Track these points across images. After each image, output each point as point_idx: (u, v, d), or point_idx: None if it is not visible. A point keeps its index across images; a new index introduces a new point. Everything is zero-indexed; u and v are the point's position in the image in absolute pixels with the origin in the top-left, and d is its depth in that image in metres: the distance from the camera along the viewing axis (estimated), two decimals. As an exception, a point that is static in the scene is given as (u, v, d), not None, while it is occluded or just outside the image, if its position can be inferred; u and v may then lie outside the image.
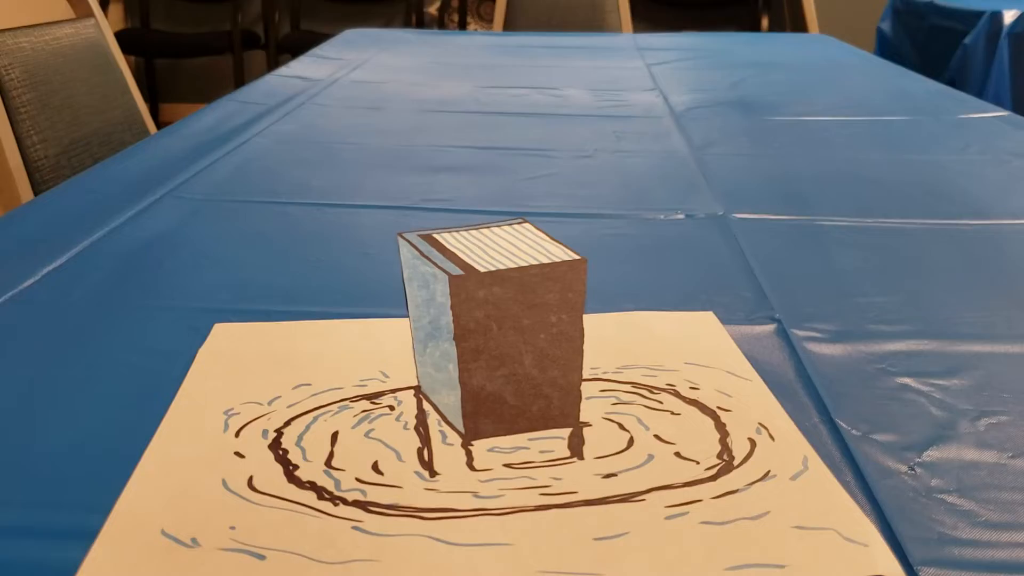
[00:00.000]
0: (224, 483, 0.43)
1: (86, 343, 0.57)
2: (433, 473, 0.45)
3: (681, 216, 0.82)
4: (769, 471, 0.45)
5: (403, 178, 0.93)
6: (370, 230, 0.78)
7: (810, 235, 0.77)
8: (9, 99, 1.24)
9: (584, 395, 0.51)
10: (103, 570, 0.37)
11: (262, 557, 0.38)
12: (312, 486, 0.43)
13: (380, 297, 0.63)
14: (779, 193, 0.89)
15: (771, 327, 0.60)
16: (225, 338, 0.58)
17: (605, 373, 0.55)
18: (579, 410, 0.50)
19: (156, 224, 0.78)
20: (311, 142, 1.06)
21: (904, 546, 0.39)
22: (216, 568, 0.38)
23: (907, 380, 0.53)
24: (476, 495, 0.43)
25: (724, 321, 0.61)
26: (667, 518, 0.41)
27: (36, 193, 1.24)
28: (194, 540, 0.39)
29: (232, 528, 0.40)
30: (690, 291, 0.66)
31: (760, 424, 0.49)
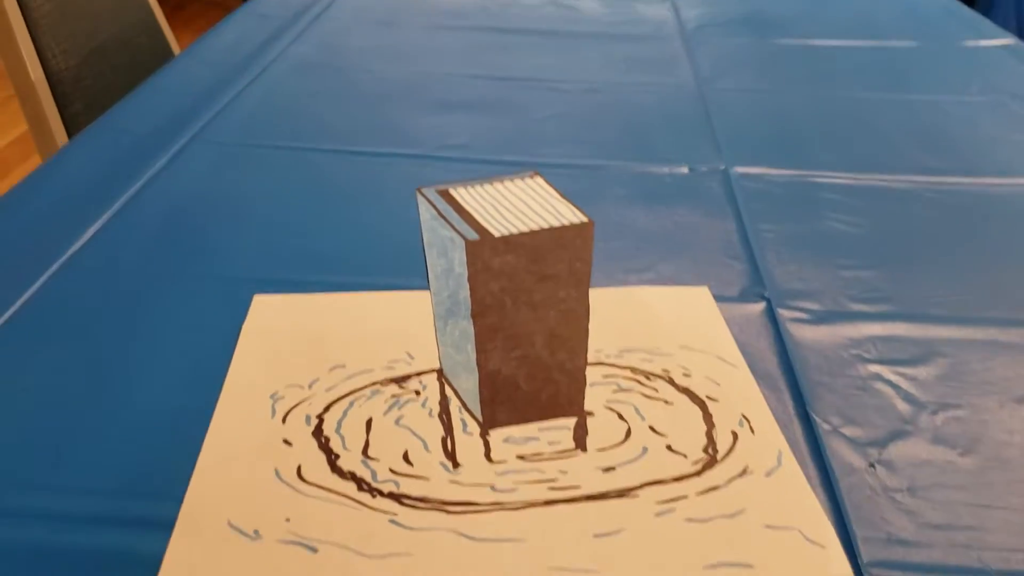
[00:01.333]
0: (277, 473, 0.50)
1: (137, 317, 0.63)
2: (456, 464, 0.52)
3: (685, 170, 0.87)
4: (747, 467, 0.52)
5: (419, 118, 0.97)
6: (392, 182, 0.83)
7: (805, 195, 0.82)
8: (28, 10, 1.26)
9: (589, 381, 0.58)
10: (183, 563, 0.44)
11: (314, 550, 0.46)
12: (352, 476, 0.50)
13: (403, 263, 0.68)
14: (780, 141, 0.93)
15: (760, 306, 0.66)
16: (264, 312, 0.64)
17: (608, 356, 0.61)
18: (584, 398, 0.56)
19: (189, 175, 0.82)
20: (328, 68, 1.09)
21: (857, 547, 0.46)
22: (277, 561, 0.45)
23: (879, 369, 0.60)
24: (493, 488, 0.50)
25: (716, 293, 0.67)
26: (657, 515, 0.48)
27: (59, 106, 1.27)
28: (256, 532, 0.46)
29: (287, 520, 0.47)
30: (688, 255, 0.72)
31: (743, 416, 0.56)
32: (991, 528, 0.48)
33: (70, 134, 1.29)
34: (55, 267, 0.68)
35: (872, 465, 0.52)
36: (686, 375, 0.59)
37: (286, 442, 0.53)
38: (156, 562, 0.44)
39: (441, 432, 0.54)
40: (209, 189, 0.80)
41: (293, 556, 0.45)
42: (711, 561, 0.45)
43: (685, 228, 0.76)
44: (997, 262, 0.72)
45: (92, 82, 1.36)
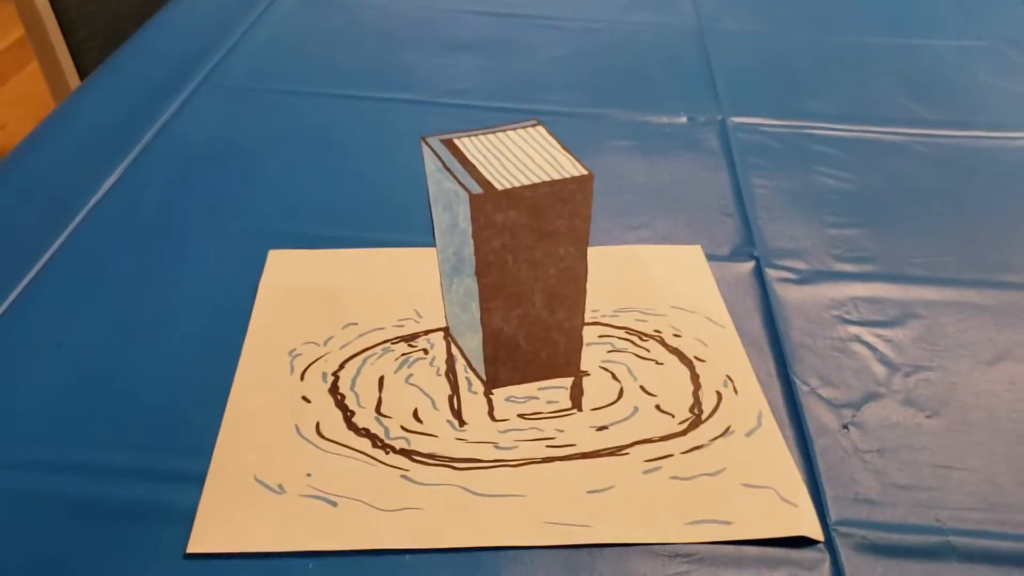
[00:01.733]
0: (297, 429, 0.55)
1: (158, 271, 0.66)
2: (462, 422, 0.56)
3: (683, 119, 0.89)
4: (729, 427, 0.56)
5: (425, 59, 0.98)
6: (397, 129, 0.85)
7: (798, 147, 0.85)
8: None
9: (585, 340, 0.62)
10: (215, 517, 0.49)
11: (334, 504, 0.50)
12: (367, 433, 0.55)
13: (410, 218, 0.71)
14: (776, 88, 0.95)
15: (749, 265, 0.70)
16: (279, 268, 0.68)
17: (604, 316, 0.65)
18: (580, 358, 0.60)
19: (199, 121, 0.85)
20: (330, 4, 1.10)
21: (826, 505, 0.51)
22: (300, 513, 0.50)
23: (859, 330, 0.64)
24: (496, 446, 0.55)
25: (708, 251, 0.70)
26: (644, 472, 0.53)
27: (64, 34, 1.28)
28: (280, 487, 0.51)
29: (308, 475, 0.52)
30: (683, 211, 0.75)
31: (727, 376, 0.60)
32: (950, 488, 0.52)
33: (77, 63, 1.31)
34: (77, 220, 0.71)
35: (845, 426, 0.56)
36: (676, 335, 0.63)
37: (305, 399, 0.57)
38: (190, 514, 0.49)
39: (448, 390, 0.59)
40: (219, 137, 0.83)
41: (315, 509, 0.50)
42: (693, 518, 0.50)
43: (681, 183, 0.79)
44: (979, 220, 0.76)
45: (96, 8, 1.36)
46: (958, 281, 0.69)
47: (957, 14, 1.14)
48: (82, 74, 1.26)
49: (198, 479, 0.51)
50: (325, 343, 0.61)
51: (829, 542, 0.49)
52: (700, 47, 1.03)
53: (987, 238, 0.74)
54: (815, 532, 0.49)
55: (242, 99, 0.89)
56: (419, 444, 0.54)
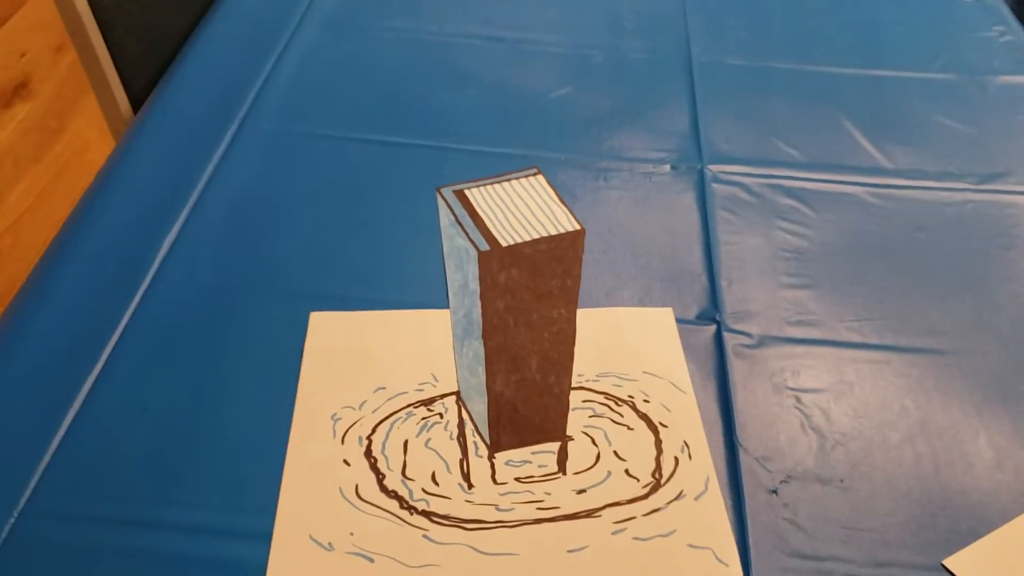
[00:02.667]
0: (341, 491, 0.70)
1: (217, 334, 0.80)
2: (470, 485, 0.71)
3: (667, 168, 1.01)
4: (682, 491, 0.71)
5: (437, 95, 1.10)
6: (415, 176, 0.97)
7: (767, 200, 0.97)
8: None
9: (572, 405, 0.76)
10: (284, 569, 0.65)
11: (372, 560, 0.66)
12: (395, 495, 0.70)
13: (427, 277, 0.84)
14: (754, 131, 1.06)
15: (711, 330, 0.83)
16: (320, 331, 0.81)
17: (587, 381, 0.79)
18: (566, 423, 0.75)
19: (240, 169, 0.97)
20: (353, 28, 1.20)
21: (751, 564, 0.66)
22: (346, 569, 0.65)
23: (796, 398, 0.78)
24: (497, 508, 0.70)
25: (678, 315, 0.83)
26: (613, 533, 0.68)
27: (103, 30, 1.37)
28: (330, 544, 0.66)
29: (351, 534, 0.67)
30: (660, 273, 0.88)
31: (685, 442, 0.74)
32: (852, 547, 0.67)
33: (116, 61, 1.40)
34: (145, 284, 0.85)
35: (774, 491, 0.71)
36: (646, 401, 0.78)
37: (345, 462, 0.72)
38: (261, 569, 0.64)
39: (459, 454, 0.73)
40: (257, 188, 0.95)
41: (357, 565, 0.65)
42: (646, 575, 0.65)
43: (660, 240, 0.92)
44: (917, 280, 0.88)
45: (131, 5, 1.45)
46: (888, 348, 0.82)
47: (929, 43, 1.23)
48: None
49: (266, 537, 0.66)
50: (360, 407, 0.76)
51: (749, 598, 0.64)
52: (688, 80, 1.14)
53: (921, 300, 0.87)
54: (740, 589, 0.65)
55: (275, 144, 1.01)
56: (437, 506, 0.69)
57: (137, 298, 0.83)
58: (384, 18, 1.23)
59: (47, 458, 0.70)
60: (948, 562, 0.66)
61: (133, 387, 0.75)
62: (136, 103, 1.21)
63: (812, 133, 1.07)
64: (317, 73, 1.13)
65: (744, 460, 0.73)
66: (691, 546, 0.67)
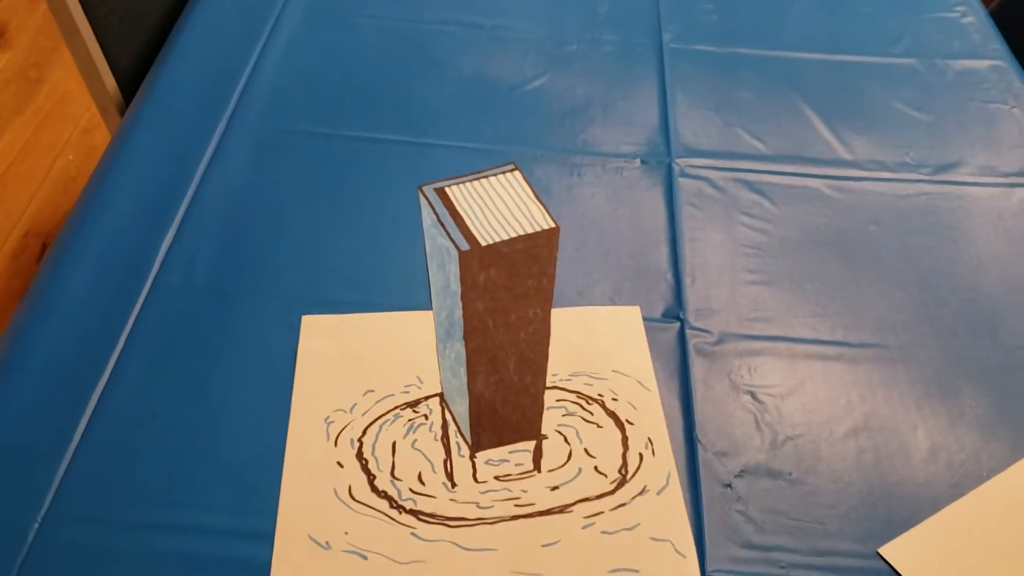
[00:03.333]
0: (335, 492, 0.77)
1: (215, 340, 0.85)
2: (453, 484, 0.78)
3: (637, 164, 1.07)
4: (646, 486, 0.78)
5: (417, 87, 1.14)
6: (397, 173, 1.02)
7: (732, 194, 1.02)
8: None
9: (546, 404, 0.83)
10: (287, 567, 0.72)
11: (365, 557, 0.73)
12: (385, 495, 0.77)
13: (411, 279, 0.91)
14: (721, 122, 1.11)
15: (675, 328, 0.90)
16: (312, 334, 0.87)
17: (561, 380, 0.86)
18: (541, 422, 0.82)
19: (230, 168, 1.01)
20: (333, 16, 1.24)
21: (706, 554, 0.74)
22: (342, 566, 0.72)
23: (751, 395, 0.85)
24: (478, 506, 0.77)
25: (645, 314, 0.90)
26: (583, 527, 0.76)
27: (92, 26, 1.40)
28: (327, 543, 0.74)
29: (346, 533, 0.74)
30: (630, 271, 0.94)
31: (649, 439, 0.82)
32: (799, 539, 0.75)
33: (100, 41, 1.42)
34: (146, 289, 0.90)
35: (728, 485, 0.78)
36: (614, 399, 0.84)
37: (339, 464, 0.79)
38: (266, 567, 0.72)
39: (443, 454, 0.80)
40: (247, 188, 1.00)
41: (352, 563, 0.72)
42: (613, 567, 0.73)
43: (631, 238, 0.98)
44: (868, 274, 0.95)
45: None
46: (839, 343, 0.89)
47: (892, 25, 1.28)
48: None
49: (270, 536, 0.73)
50: (351, 410, 0.82)
51: (703, 587, 0.72)
52: (659, 67, 1.19)
53: (871, 295, 0.93)
54: (695, 578, 0.72)
55: (262, 141, 1.06)
56: (423, 505, 0.76)
57: (139, 303, 0.88)
58: (364, 4, 1.26)
59: (65, 464, 0.76)
60: (883, 550, 0.73)
61: (141, 393, 0.82)
62: (121, 79, 1.24)
63: (776, 123, 1.12)
64: (300, 64, 1.17)
65: (702, 456, 0.80)
66: (653, 539, 0.74)
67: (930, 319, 0.91)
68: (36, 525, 0.72)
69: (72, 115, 2.11)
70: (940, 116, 1.14)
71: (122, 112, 1.25)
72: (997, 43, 1.24)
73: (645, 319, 0.90)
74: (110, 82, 1.26)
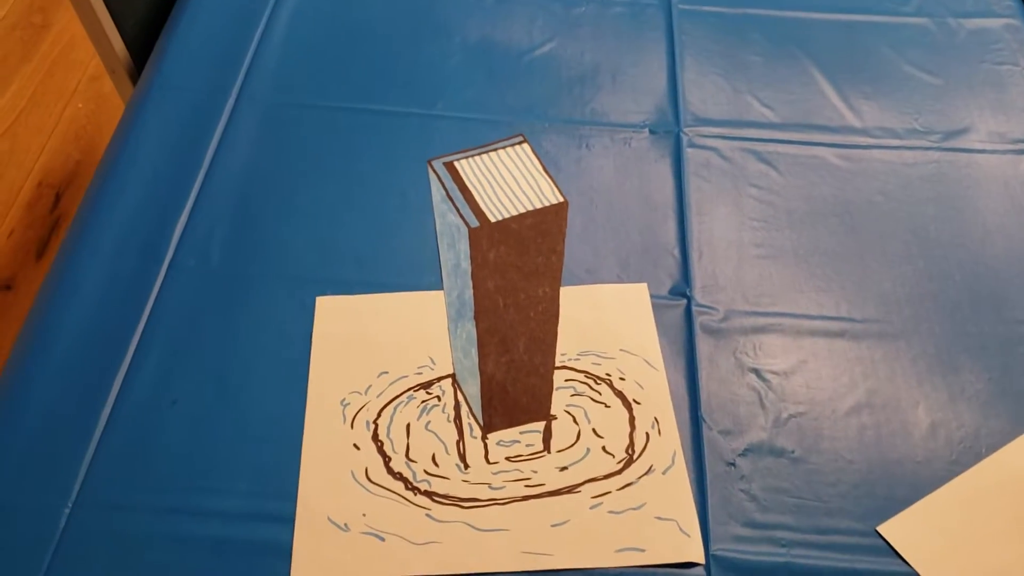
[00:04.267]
0: (352, 474, 0.80)
1: (231, 323, 0.87)
2: (467, 465, 0.81)
3: (646, 133, 1.07)
4: (652, 466, 0.81)
5: (423, 56, 1.14)
6: (406, 145, 1.03)
7: (740, 164, 1.03)
8: None
9: (555, 384, 0.85)
10: (306, 552, 0.75)
11: (383, 539, 0.76)
12: (400, 476, 0.80)
13: (422, 258, 0.92)
14: (730, 89, 1.11)
15: (682, 305, 0.92)
16: (327, 316, 0.89)
17: (569, 360, 0.88)
18: (551, 402, 0.84)
19: (240, 146, 1.03)
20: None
21: (710, 532, 0.77)
22: (361, 548, 0.75)
23: (755, 373, 0.87)
24: (490, 487, 0.80)
25: (652, 291, 0.91)
26: (591, 508, 0.78)
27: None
28: (346, 525, 0.77)
29: (364, 515, 0.77)
30: (638, 246, 0.95)
31: (655, 418, 0.84)
32: (800, 517, 0.78)
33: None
34: (162, 273, 0.92)
35: (732, 464, 0.81)
36: (622, 378, 0.87)
37: (355, 446, 0.81)
38: (288, 549, 0.75)
39: (455, 436, 0.83)
40: (257, 165, 1.01)
41: (370, 544, 0.76)
42: (620, 546, 0.76)
43: (638, 213, 0.99)
44: (873, 249, 0.95)
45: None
46: (843, 319, 0.91)
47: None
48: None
49: (290, 519, 0.76)
50: (366, 392, 0.85)
51: (708, 566, 0.75)
52: (668, 30, 1.18)
53: (875, 269, 0.94)
54: (699, 557, 0.75)
55: (271, 117, 1.06)
56: (437, 486, 0.79)
57: (156, 288, 0.90)
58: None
59: (91, 451, 0.79)
60: (882, 528, 0.76)
61: (161, 379, 0.84)
62: (129, 39, 1.24)
63: (785, 88, 1.12)
64: (306, 34, 1.17)
65: (707, 434, 0.82)
66: (658, 518, 0.77)
67: (934, 293, 0.92)
68: (67, 511, 0.76)
69: (80, 61, 2.11)
70: (951, 79, 1.13)
71: (131, 74, 1.26)
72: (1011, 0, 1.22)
73: (652, 296, 0.92)
74: (118, 44, 1.26)
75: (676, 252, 0.95)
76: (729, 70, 1.14)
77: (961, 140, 1.06)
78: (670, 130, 1.07)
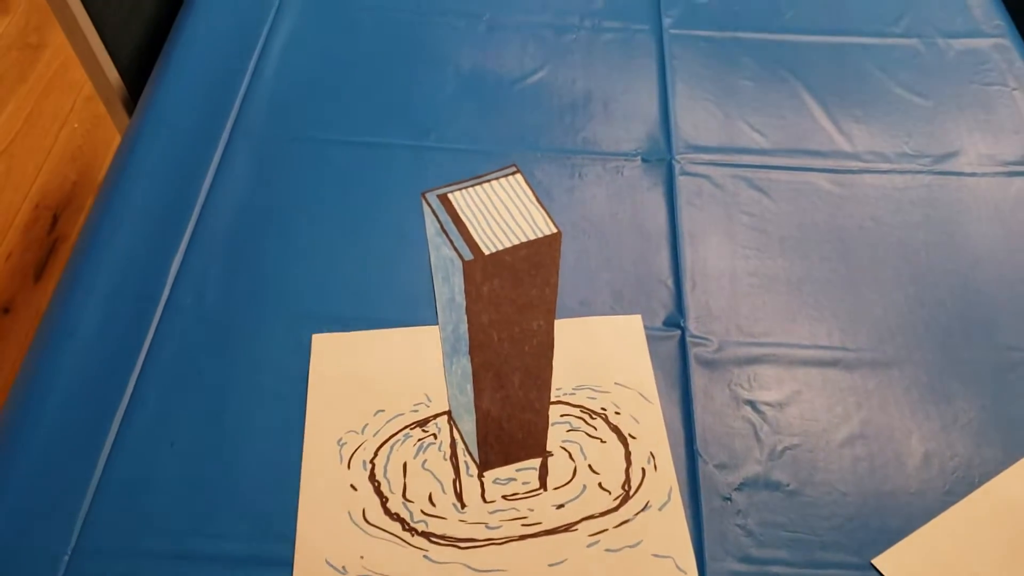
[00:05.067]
0: (350, 516, 0.80)
1: (228, 361, 0.88)
2: (463, 505, 0.81)
3: (638, 162, 1.08)
4: (648, 502, 0.81)
5: (416, 87, 1.15)
6: (399, 178, 1.04)
7: (731, 192, 1.03)
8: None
9: (551, 419, 0.86)
10: (305, 595, 0.76)
11: (381, 581, 0.77)
12: (397, 517, 0.80)
13: (417, 292, 0.93)
14: (722, 114, 1.12)
15: (676, 337, 0.92)
16: (323, 353, 0.90)
17: (564, 394, 0.89)
18: (546, 438, 0.85)
19: (235, 181, 1.03)
20: (330, 10, 1.23)
21: (706, 567, 0.77)
22: (360, 591, 0.76)
23: (750, 406, 0.87)
24: (487, 526, 0.80)
25: (646, 322, 0.92)
26: (588, 546, 0.79)
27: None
28: (344, 568, 0.77)
29: (362, 557, 0.78)
30: (630, 278, 0.96)
31: (651, 453, 0.84)
32: (796, 551, 0.78)
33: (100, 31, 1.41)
34: (159, 313, 0.93)
35: (727, 498, 0.81)
36: (617, 413, 0.87)
37: (352, 487, 0.82)
38: (287, 593, 0.75)
39: (451, 474, 0.83)
40: (252, 201, 1.01)
41: (368, 586, 0.76)
42: (617, 585, 0.76)
43: (630, 244, 0.99)
44: (864, 277, 0.96)
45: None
46: (836, 348, 0.91)
47: (892, 1, 1.27)
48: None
49: (288, 563, 0.77)
50: (362, 431, 0.85)
51: (704, 603, 0.75)
52: (659, 56, 1.19)
53: (868, 296, 0.95)
54: (696, 595, 0.76)
55: (265, 150, 1.07)
56: (434, 526, 0.80)
57: (152, 329, 0.91)
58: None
59: (89, 496, 0.80)
60: (876, 561, 0.77)
61: (159, 421, 0.85)
62: (123, 69, 1.24)
63: (776, 113, 1.12)
64: (299, 65, 1.17)
65: (703, 469, 0.83)
66: (655, 555, 0.78)
67: (926, 321, 0.93)
68: (67, 558, 0.76)
69: (75, 81, 2.11)
70: (940, 100, 1.14)
71: (126, 103, 1.26)
72: (1000, 19, 1.23)
73: (646, 328, 0.92)
74: (112, 74, 1.27)
75: (670, 282, 0.96)
76: (720, 95, 1.14)
77: (951, 163, 1.07)
78: (662, 158, 1.07)
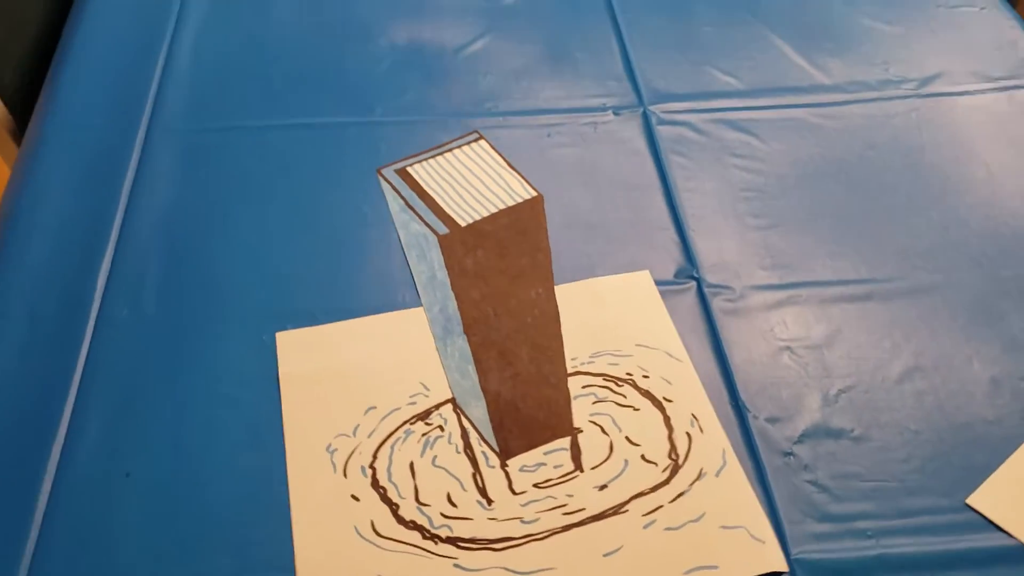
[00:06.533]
0: (356, 530, 0.66)
1: (181, 376, 0.74)
2: (489, 500, 0.69)
3: (609, 115, 0.98)
4: (702, 469, 0.70)
5: (350, 59, 1.03)
6: (348, 158, 0.91)
7: (714, 136, 0.94)
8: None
9: (572, 393, 0.73)
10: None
11: (407, 602, 0.63)
12: (414, 525, 0.67)
13: (389, 276, 0.81)
14: (687, 61, 1.03)
15: (692, 288, 0.81)
16: (291, 351, 0.76)
17: (582, 364, 0.77)
18: (571, 414, 0.73)
19: (159, 180, 0.89)
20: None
21: (786, 535, 0.66)
22: (382, 616, 0.62)
23: (789, 349, 0.77)
24: (522, 521, 0.67)
25: (656, 276, 0.82)
26: (644, 527, 0.67)
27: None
28: (359, 592, 0.63)
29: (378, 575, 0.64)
30: (624, 230, 0.86)
31: (693, 415, 0.73)
32: (878, 502, 0.67)
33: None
34: (91, 326, 0.78)
35: (789, 453, 0.70)
36: (645, 376, 0.76)
37: (353, 497, 0.68)
38: (296, 632, 0.61)
39: (469, 468, 0.70)
40: (182, 199, 0.87)
41: (392, 609, 0.62)
42: (688, 567, 0.64)
43: (617, 195, 0.89)
44: (877, 203, 0.88)
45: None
46: (865, 281, 0.82)
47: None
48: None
49: (290, 595, 0.63)
50: (354, 433, 0.72)
51: (792, 574, 0.64)
52: (609, 11, 1.09)
53: (886, 225, 0.86)
54: (781, 565, 0.64)
55: (190, 146, 0.93)
56: (460, 529, 0.66)
57: (85, 346, 0.76)
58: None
59: (31, 544, 0.64)
60: (971, 500, 0.67)
61: (107, 451, 0.70)
62: (8, 97, 1.09)
63: (744, 56, 1.04)
64: (216, 50, 1.04)
65: (754, 425, 0.72)
66: (724, 527, 0.66)
67: (954, 241, 0.85)
68: (9, 628, 0.60)
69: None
70: (910, 27, 1.08)
71: (15, 136, 1.11)
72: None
73: (657, 282, 0.82)
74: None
75: (672, 233, 0.85)
76: (681, 43, 1.06)
77: (938, 85, 1.00)
78: (635, 109, 0.98)
